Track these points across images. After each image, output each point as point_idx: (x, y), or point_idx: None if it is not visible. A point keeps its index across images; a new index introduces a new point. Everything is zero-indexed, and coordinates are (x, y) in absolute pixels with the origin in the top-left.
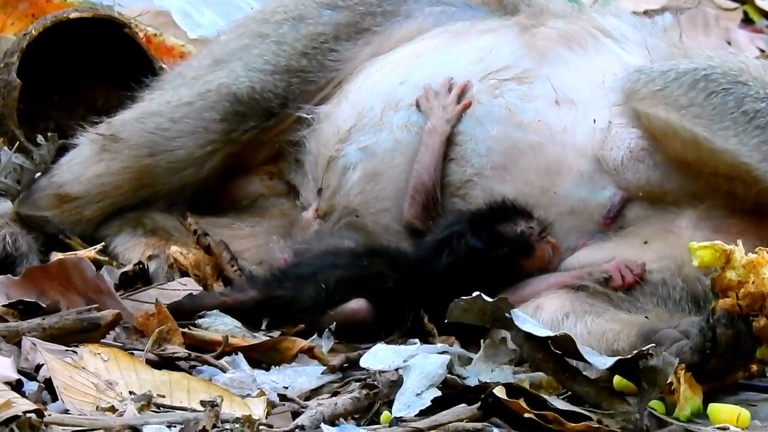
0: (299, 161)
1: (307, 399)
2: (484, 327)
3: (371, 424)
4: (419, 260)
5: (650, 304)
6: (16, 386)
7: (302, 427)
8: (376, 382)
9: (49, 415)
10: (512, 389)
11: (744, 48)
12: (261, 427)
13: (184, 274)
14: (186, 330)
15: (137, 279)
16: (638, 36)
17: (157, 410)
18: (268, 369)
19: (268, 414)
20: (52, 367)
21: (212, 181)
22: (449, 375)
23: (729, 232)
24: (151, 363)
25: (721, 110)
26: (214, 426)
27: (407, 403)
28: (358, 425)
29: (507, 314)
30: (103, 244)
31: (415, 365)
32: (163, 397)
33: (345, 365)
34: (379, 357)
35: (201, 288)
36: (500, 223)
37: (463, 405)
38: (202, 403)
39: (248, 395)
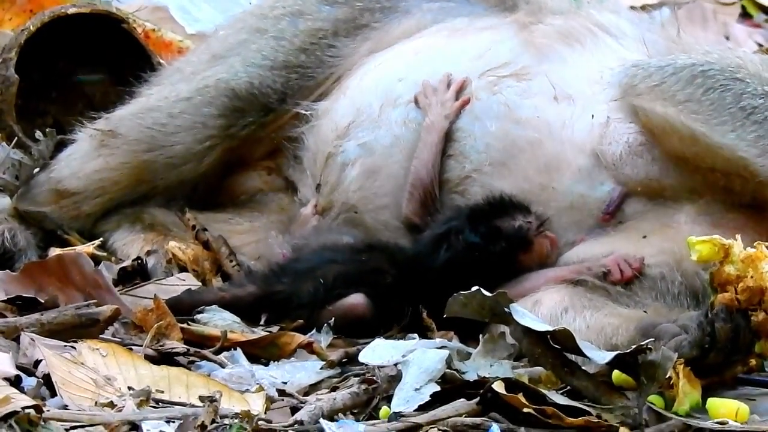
0: (298, 157)
1: (306, 394)
2: (483, 322)
3: (370, 419)
4: (418, 255)
5: (649, 298)
6: (15, 382)
7: (301, 422)
8: (374, 377)
9: (48, 410)
10: (511, 384)
11: (742, 43)
12: (260, 423)
13: (182, 269)
14: (185, 325)
15: (136, 274)
16: (636, 31)
17: (156, 406)
18: (266, 364)
19: (266, 409)
20: (50, 363)
21: (211, 177)
22: (448, 370)
23: (728, 226)
24: (149, 358)
25: (719, 106)
26: (213, 421)
27: (406, 398)
28: (357, 420)
29: (506, 309)
30: (101, 239)
31: (414, 360)
32: (162, 392)
33: (344, 360)
34: (377, 352)
35: (199, 283)
36: (498, 218)
37: (462, 400)
38: (201, 398)
39: (247, 390)
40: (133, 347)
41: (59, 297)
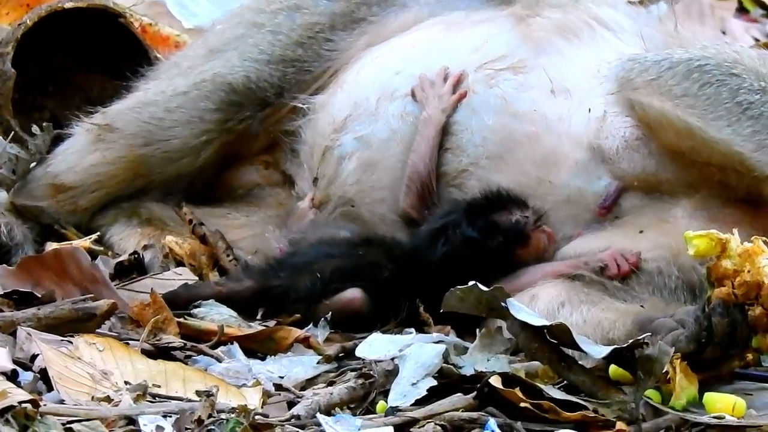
0: (295, 151)
1: (303, 389)
2: (480, 316)
3: (367, 414)
4: (415, 250)
5: (646, 293)
6: (12, 376)
7: (298, 417)
8: (371, 372)
9: (45, 405)
10: (508, 378)
11: (739, 37)
12: (256, 417)
13: (179, 263)
14: (181, 320)
15: (132, 269)
16: (634, 25)
17: (153, 400)
18: (263, 359)
19: (263, 404)
20: (47, 357)
21: (207, 171)
22: (445, 364)
23: (724, 221)
24: (146, 353)
25: (715, 101)
26: (210, 416)
27: (403, 392)
28: (354, 415)
29: (503, 303)
30: (98, 233)
31: (411, 355)
32: (159, 387)
33: (341, 355)
34: (374, 346)
35: (196, 278)
36: (495, 213)
37: (458, 394)
38: (198, 393)
39: (244, 385)
40: (129, 342)
41: (56, 291)
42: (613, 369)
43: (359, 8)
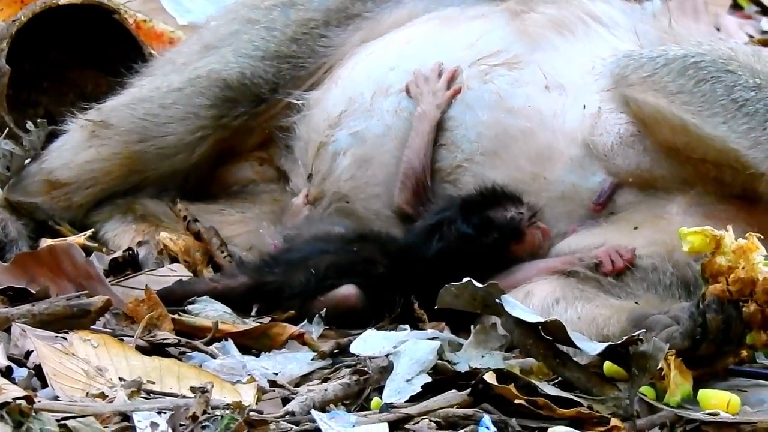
0: (289, 147)
1: (298, 385)
2: (475, 313)
3: (361, 410)
4: (409, 246)
5: (640, 289)
6: (6, 373)
7: (292, 414)
8: (366, 368)
9: (39, 401)
10: (503, 375)
11: (733, 34)
12: (251, 414)
13: (173, 260)
14: (176, 316)
15: (127, 265)
16: (628, 21)
17: (147, 397)
18: (258, 355)
19: (258, 400)
20: (41, 354)
21: (202, 167)
22: (439, 361)
23: (719, 217)
24: (141, 349)
25: (711, 97)
26: (204, 412)
27: (397, 389)
28: (349, 411)
29: (497, 300)
30: (92, 230)
31: (406, 351)
32: (153, 383)
33: (335, 351)
34: (369, 343)
35: (191, 274)
36: (490, 209)
37: (453, 391)
38: (192, 389)
39: (238, 381)
40: (124, 338)
41: (50, 288)
42: (608, 365)
43: (354, 4)
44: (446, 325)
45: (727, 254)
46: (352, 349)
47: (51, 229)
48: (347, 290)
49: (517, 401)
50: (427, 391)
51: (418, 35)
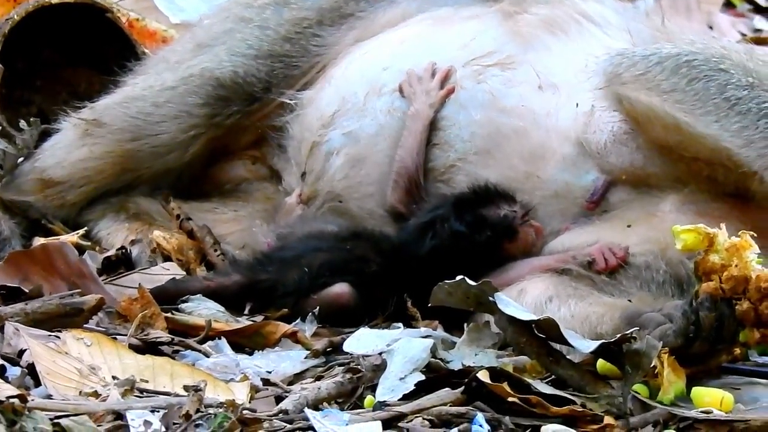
0: (282, 146)
1: (291, 383)
2: (468, 311)
3: (355, 408)
4: (403, 244)
5: (634, 287)
6: None
7: (286, 412)
8: (359, 367)
9: (33, 400)
10: (496, 373)
11: (725, 32)
12: (244, 412)
13: (167, 258)
14: (169, 315)
15: (120, 264)
16: (621, 20)
17: (141, 395)
18: (251, 353)
19: (251, 398)
20: (35, 352)
21: (195, 166)
22: (433, 359)
23: (712, 215)
24: (134, 348)
25: (703, 96)
26: (198, 411)
27: (391, 387)
28: (342, 409)
29: (490, 298)
30: (86, 228)
31: (399, 349)
32: (147, 382)
33: (328, 349)
34: (362, 341)
35: (184, 272)
36: (483, 207)
37: (446, 389)
38: (186, 387)
39: (231, 380)
40: (117, 337)
41: (44, 286)
42: (601, 363)
43: (347, 3)
44: (439, 324)
45: (720, 252)
46: (346, 347)
47: (44, 228)
48: (340, 288)
49: (510, 399)
50: (421, 390)
51: (411, 35)
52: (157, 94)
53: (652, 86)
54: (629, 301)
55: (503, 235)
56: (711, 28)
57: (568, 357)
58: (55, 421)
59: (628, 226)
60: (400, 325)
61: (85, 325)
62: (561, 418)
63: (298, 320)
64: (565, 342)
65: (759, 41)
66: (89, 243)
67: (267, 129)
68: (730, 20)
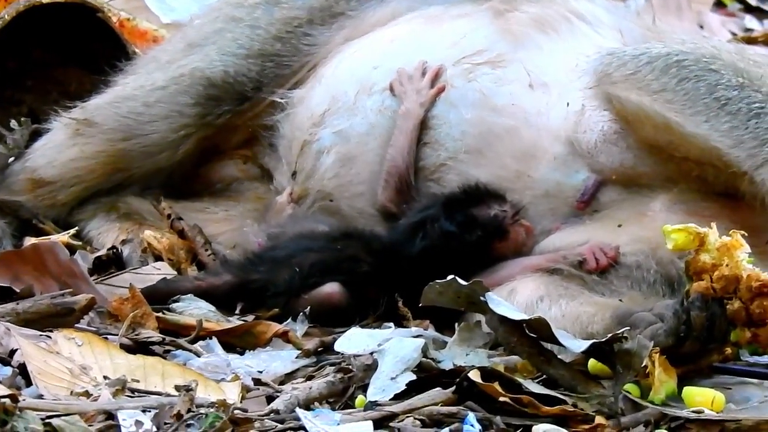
0: (273, 145)
1: (282, 383)
2: (459, 310)
3: (346, 408)
4: (393, 244)
5: (624, 287)
6: None
7: (277, 411)
8: (350, 366)
9: (24, 400)
10: (487, 373)
11: (716, 31)
12: (236, 412)
13: (158, 258)
14: (160, 314)
15: (111, 263)
16: (612, 19)
17: (132, 395)
18: (242, 353)
19: (242, 398)
20: (26, 352)
21: (186, 165)
22: (424, 359)
23: (703, 215)
24: (125, 348)
25: (693, 96)
26: (189, 410)
27: (382, 387)
28: (333, 409)
29: (482, 297)
30: (77, 228)
31: (390, 349)
32: (138, 381)
33: (319, 349)
34: (353, 341)
35: (175, 272)
36: (474, 207)
37: (437, 389)
38: (177, 387)
39: (223, 379)
40: (108, 336)
41: (35, 286)
42: (592, 363)
43: (338, 2)
44: (430, 323)
45: (711, 252)
46: (337, 347)
47: (35, 228)
48: (331, 288)
49: (501, 399)
50: (412, 389)
51: (401, 34)
52: (148, 94)
53: (642, 86)
54: (620, 300)
55: (494, 235)
56: (702, 27)
57: (559, 357)
58: (47, 421)
59: (619, 226)
60: (391, 324)
61: (76, 325)
62: (552, 418)
63: (289, 320)
64: (556, 342)
65: (749, 41)
66: (80, 243)
67: (258, 128)
68: (720, 19)
